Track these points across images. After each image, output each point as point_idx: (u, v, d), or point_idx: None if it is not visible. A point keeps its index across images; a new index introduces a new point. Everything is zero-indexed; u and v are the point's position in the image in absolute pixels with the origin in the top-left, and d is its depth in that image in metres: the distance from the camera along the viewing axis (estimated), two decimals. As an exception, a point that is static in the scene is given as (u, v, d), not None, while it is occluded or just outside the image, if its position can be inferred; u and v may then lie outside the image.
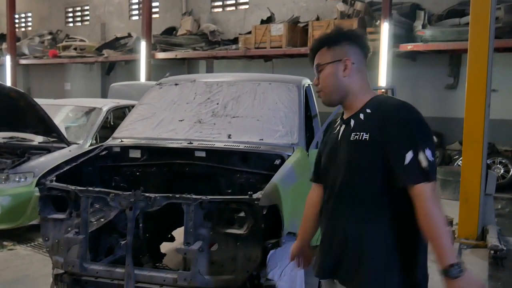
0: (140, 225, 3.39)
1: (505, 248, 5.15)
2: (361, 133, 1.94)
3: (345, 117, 2.09)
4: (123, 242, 3.15)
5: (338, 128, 2.10)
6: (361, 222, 1.94)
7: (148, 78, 12.20)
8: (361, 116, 1.99)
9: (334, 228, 2.04)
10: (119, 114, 6.72)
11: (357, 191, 1.95)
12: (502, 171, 8.73)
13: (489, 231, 5.50)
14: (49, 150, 5.56)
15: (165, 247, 4.17)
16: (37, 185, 3.23)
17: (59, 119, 6.22)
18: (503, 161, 8.84)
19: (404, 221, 1.90)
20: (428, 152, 1.83)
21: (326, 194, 2.12)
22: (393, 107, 1.93)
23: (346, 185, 1.99)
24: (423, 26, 9.79)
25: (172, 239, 4.23)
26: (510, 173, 8.68)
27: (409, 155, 1.82)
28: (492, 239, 5.27)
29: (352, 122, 2.02)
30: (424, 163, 1.81)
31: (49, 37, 16.96)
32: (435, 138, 10.25)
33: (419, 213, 1.81)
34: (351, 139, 1.97)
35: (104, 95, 13.56)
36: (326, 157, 2.14)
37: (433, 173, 1.82)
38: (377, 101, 2.01)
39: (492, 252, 5.09)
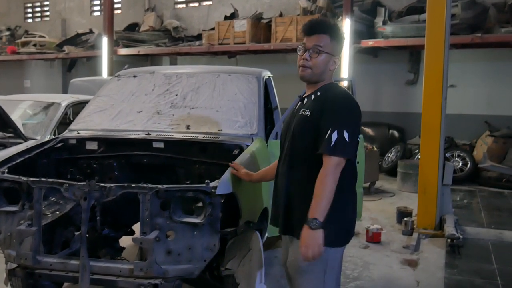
0: (98, 217, 3.30)
1: (461, 237, 5.29)
2: (307, 110, 2.45)
3: (304, 95, 2.57)
4: (77, 233, 3.08)
5: (298, 104, 2.60)
6: (298, 179, 2.44)
7: (110, 74, 11.98)
8: (312, 97, 2.50)
9: (281, 185, 2.54)
10: (79, 109, 6.53)
11: (297, 155, 2.47)
12: (460, 164, 8.93)
13: (446, 220, 5.63)
14: (5, 146, 5.38)
15: (124, 241, 4.10)
16: (-13, 177, 3.11)
17: (17, 115, 6.04)
18: (461, 154, 9.03)
19: None
20: (345, 134, 2.30)
21: (281, 157, 2.60)
22: (335, 95, 2.43)
23: (291, 150, 2.50)
24: (384, 23, 9.94)
25: (131, 233, 4.17)
26: (468, 166, 8.89)
27: (329, 132, 2.31)
28: (449, 228, 5.39)
29: (305, 100, 2.54)
30: (333, 141, 2.29)
31: (7, 33, 16.46)
32: (396, 133, 10.44)
33: (318, 175, 2.30)
34: (299, 113, 2.50)
35: (65, 92, 13.20)
36: (284, 126, 2.64)
37: (339, 151, 2.29)
38: (327, 87, 2.50)
39: (449, 240, 5.21)
